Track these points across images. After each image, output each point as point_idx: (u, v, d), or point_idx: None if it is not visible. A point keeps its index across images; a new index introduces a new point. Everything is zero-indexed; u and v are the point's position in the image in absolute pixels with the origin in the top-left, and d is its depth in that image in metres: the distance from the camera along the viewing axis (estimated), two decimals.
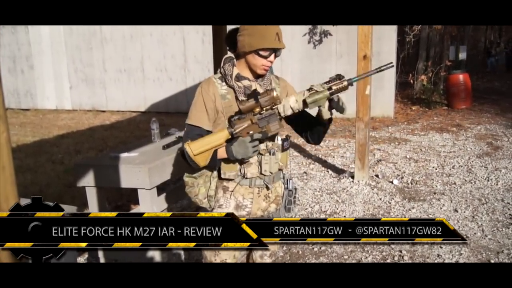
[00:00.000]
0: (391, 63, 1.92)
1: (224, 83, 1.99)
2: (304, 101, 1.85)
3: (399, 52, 10.53)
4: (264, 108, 1.86)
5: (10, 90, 12.28)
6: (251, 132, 1.87)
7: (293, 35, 9.50)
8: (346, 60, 9.31)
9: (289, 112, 1.88)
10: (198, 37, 10.58)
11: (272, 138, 1.99)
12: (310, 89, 1.86)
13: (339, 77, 1.85)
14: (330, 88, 1.83)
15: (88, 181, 3.40)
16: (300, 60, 9.69)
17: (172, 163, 3.52)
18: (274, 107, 1.87)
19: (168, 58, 11.01)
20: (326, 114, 1.87)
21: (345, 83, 1.83)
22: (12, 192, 1.32)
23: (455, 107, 10.25)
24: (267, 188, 2.05)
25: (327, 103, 1.85)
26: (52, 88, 12.21)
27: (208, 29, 9.59)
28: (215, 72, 2.12)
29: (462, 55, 12.40)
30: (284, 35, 1.95)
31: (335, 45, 9.54)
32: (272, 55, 1.89)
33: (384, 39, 9.06)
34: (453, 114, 9.77)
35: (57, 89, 12.17)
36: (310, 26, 9.53)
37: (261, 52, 1.87)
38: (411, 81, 11.39)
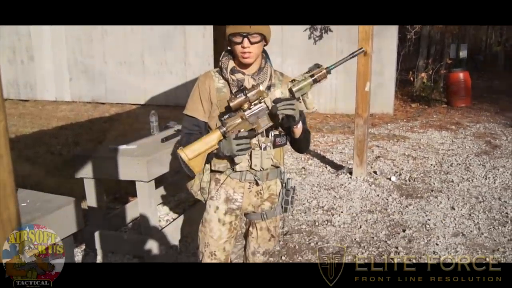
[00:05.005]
0: (362, 48, 2.17)
1: (221, 77, 2.03)
2: (290, 90, 1.88)
3: (400, 49, 10.50)
4: (253, 103, 1.88)
5: (10, 81, 12.23)
6: (238, 130, 1.89)
7: (293, 31, 9.46)
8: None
9: None
10: (199, 31, 10.55)
11: (265, 133, 2.00)
12: (293, 81, 1.92)
13: (317, 65, 1.93)
14: (312, 75, 1.89)
15: (86, 172, 3.41)
16: (300, 56, 9.64)
17: (170, 156, 3.52)
18: (262, 100, 1.89)
19: (169, 52, 10.98)
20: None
21: (324, 71, 1.91)
22: (9, 180, 1.34)
23: (454, 105, 10.25)
24: (257, 183, 2.05)
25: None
26: (52, 80, 12.17)
27: None
28: (215, 67, 2.15)
29: (463, 53, 12.39)
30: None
31: (335, 41, 9.51)
32: (246, 41, 1.89)
33: (385, 36, 9.02)
34: (452, 112, 9.77)
35: (56, 80, 12.13)
36: None
37: (233, 39, 1.91)
38: (411, 78, 11.36)
